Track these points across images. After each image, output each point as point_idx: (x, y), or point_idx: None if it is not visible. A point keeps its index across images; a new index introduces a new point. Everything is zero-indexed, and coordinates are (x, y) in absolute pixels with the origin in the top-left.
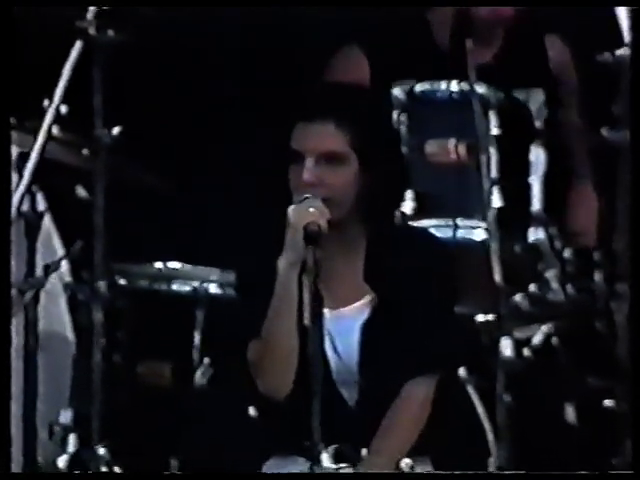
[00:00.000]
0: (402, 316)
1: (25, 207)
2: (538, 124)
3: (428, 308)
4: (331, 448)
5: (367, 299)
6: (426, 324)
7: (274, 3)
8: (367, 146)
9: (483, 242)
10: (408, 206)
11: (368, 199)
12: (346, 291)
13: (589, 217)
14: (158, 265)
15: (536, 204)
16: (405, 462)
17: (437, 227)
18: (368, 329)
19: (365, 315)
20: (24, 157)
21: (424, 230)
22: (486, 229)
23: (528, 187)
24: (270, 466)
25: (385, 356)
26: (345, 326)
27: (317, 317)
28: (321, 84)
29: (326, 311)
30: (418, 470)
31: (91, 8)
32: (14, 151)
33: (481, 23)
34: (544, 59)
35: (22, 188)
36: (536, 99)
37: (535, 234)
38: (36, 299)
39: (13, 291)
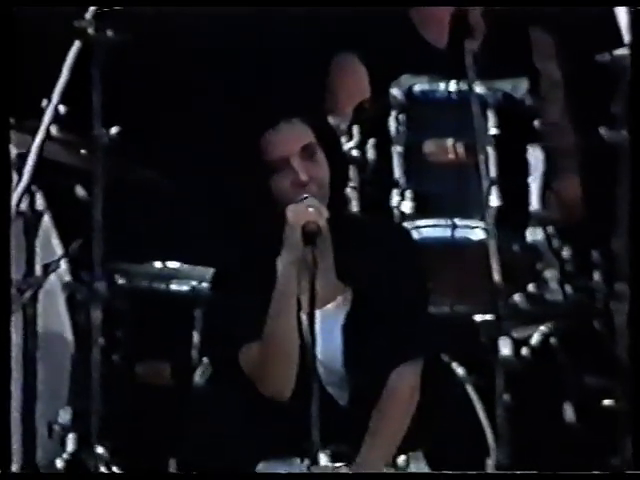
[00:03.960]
0: (378, 308)
1: (24, 206)
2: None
3: (402, 296)
4: (328, 449)
5: (343, 296)
6: (403, 312)
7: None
8: (326, 135)
9: (481, 242)
10: (407, 205)
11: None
12: (323, 290)
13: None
14: (157, 265)
15: (535, 204)
16: (401, 459)
17: (435, 226)
18: (348, 327)
19: (344, 314)
20: (23, 157)
21: (386, 221)
22: (485, 229)
23: (527, 187)
24: (264, 468)
25: (369, 350)
26: (326, 326)
27: (313, 317)
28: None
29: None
30: (412, 465)
31: (90, 8)
32: (13, 151)
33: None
34: (528, 50)
35: (21, 188)
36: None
37: (534, 234)
38: (35, 298)
39: (12, 290)
